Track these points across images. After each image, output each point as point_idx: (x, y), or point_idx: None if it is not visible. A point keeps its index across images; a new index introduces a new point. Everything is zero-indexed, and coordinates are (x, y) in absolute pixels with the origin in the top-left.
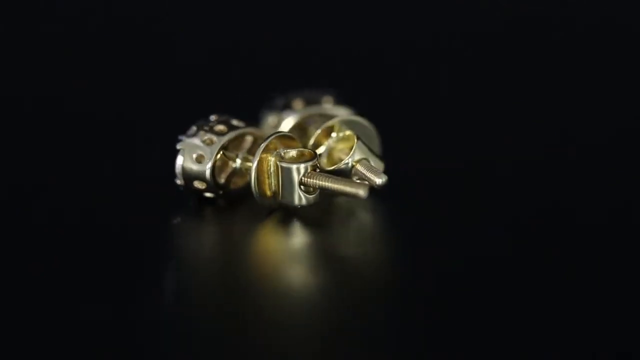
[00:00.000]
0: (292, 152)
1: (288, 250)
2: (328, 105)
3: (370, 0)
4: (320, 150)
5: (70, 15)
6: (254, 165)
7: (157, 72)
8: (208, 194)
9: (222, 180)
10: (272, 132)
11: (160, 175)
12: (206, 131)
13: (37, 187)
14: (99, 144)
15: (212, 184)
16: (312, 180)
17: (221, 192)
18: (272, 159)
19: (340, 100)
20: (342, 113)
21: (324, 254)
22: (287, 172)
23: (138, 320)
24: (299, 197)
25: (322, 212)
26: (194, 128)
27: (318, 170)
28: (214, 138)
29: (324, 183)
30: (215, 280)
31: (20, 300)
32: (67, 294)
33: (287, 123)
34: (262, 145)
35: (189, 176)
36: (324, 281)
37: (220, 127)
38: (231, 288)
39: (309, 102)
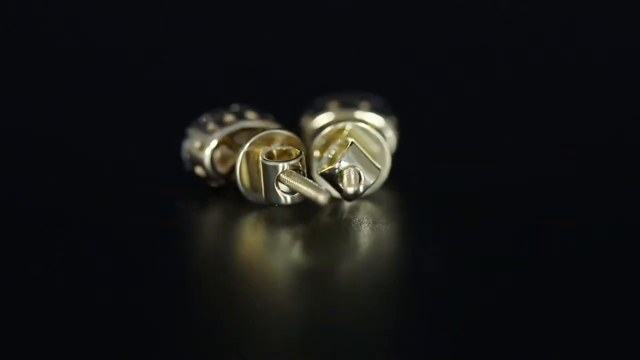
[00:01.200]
0: (278, 150)
1: (290, 250)
2: (363, 110)
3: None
4: (329, 153)
5: (79, 12)
6: (238, 159)
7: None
8: (213, 184)
9: (224, 170)
10: (264, 128)
11: (160, 175)
12: (215, 120)
13: (36, 187)
14: (99, 144)
15: (212, 172)
16: (286, 179)
17: (222, 181)
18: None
19: (376, 106)
20: (372, 119)
21: (321, 255)
22: (265, 169)
23: (138, 318)
24: (278, 195)
25: (323, 211)
26: (206, 115)
27: (301, 171)
28: (218, 127)
29: (294, 183)
30: (216, 280)
31: (20, 300)
32: (66, 294)
33: (316, 124)
34: (251, 140)
35: (192, 162)
36: (324, 282)
37: (229, 118)
38: (231, 286)
39: (345, 105)
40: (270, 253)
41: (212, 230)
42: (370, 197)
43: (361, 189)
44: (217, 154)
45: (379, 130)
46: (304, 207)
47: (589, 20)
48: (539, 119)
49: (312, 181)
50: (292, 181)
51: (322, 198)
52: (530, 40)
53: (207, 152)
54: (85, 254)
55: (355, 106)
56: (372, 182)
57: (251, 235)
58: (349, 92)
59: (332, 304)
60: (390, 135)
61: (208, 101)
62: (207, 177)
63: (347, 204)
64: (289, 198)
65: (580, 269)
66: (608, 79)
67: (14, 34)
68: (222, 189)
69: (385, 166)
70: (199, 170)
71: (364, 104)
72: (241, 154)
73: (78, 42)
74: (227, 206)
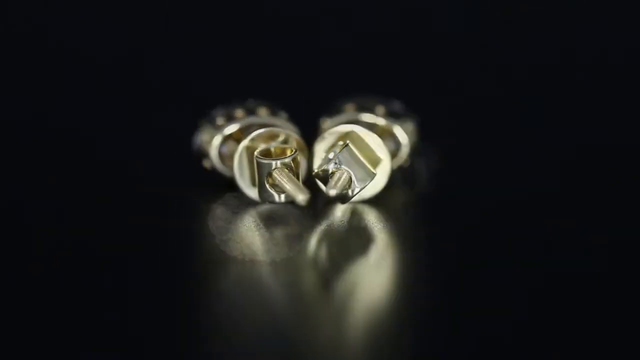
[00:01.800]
0: (276, 147)
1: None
2: (378, 114)
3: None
4: (330, 153)
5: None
6: (237, 154)
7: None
8: (220, 178)
9: (232, 165)
10: (272, 125)
11: (160, 175)
12: (225, 114)
13: (37, 187)
14: (99, 144)
15: (219, 166)
16: (276, 176)
17: (231, 175)
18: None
19: (392, 112)
20: (383, 123)
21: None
22: (258, 166)
23: (138, 318)
24: (271, 193)
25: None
26: (218, 109)
27: (293, 170)
28: (227, 122)
29: (280, 181)
30: (216, 280)
31: (20, 300)
32: (66, 294)
33: (327, 125)
34: (250, 136)
35: (200, 155)
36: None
37: (239, 113)
38: (231, 286)
39: (361, 109)
40: (269, 253)
41: (213, 230)
42: (369, 199)
43: (351, 192)
44: (226, 149)
45: (392, 135)
46: (303, 206)
47: (589, 20)
48: (540, 120)
49: (297, 180)
50: (279, 179)
51: (301, 198)
52: (530, 41)
53: (214, 146)
54: (85, 254)
55: (370, 110)
56: (364, 185)
57: (251, 235)
58: (370, 96)
59: (331, 304)
60: (405, 141)
61: (208, 101)
62: (214, 171)
63: (346, 205)
64: (282, 196)
65: (580, 270)
66: (608, 79)
67: (14, 34)
68: (230, 186)
69: (384, 175)
70: (206, 163)
71: (380, 108)
72: (239, 150)
73: (78, 42)
74: (229, 204)
